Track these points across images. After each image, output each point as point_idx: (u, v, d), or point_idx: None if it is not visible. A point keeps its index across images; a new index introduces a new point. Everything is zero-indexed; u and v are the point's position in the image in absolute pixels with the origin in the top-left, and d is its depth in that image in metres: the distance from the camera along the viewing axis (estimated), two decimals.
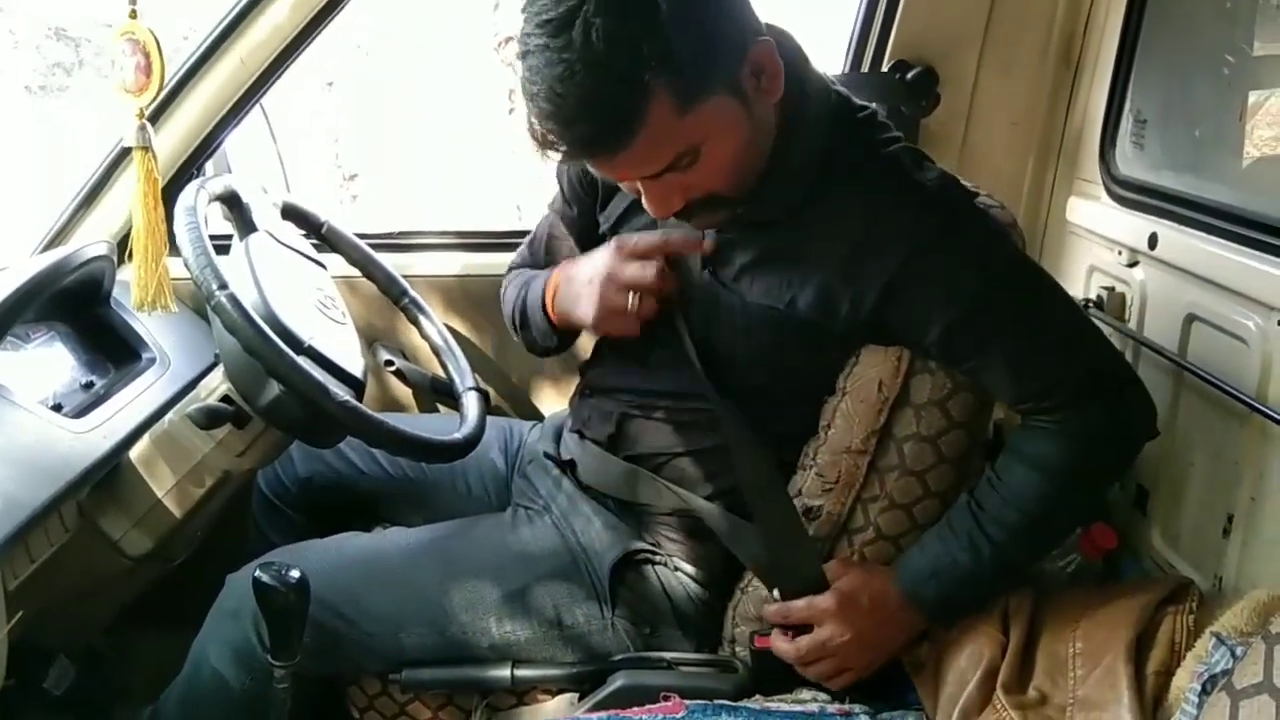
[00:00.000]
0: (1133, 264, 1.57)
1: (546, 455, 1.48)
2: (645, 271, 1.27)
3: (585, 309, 1.31)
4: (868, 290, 1.18)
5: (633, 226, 1.35)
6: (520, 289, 1.47)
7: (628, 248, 1.28)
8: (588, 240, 1.45)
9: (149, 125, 1.27)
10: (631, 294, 1.27)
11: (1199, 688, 0.94)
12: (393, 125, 6.47)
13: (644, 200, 1.16)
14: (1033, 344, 1.20)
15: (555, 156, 1.09)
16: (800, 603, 1.27)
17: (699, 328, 1.29)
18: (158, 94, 1.21)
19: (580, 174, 1.42)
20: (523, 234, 1.69)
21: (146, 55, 1.18)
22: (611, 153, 1.07)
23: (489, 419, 1.53)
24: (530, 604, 1.33)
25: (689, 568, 1.36)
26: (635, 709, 1.17)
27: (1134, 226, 1.56)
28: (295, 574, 1.20)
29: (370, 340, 1.86)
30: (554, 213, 1.51)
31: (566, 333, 1.43)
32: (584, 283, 1.32)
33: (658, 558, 1.36)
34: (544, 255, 1.52)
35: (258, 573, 1.19)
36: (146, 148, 1.28)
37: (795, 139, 1.19)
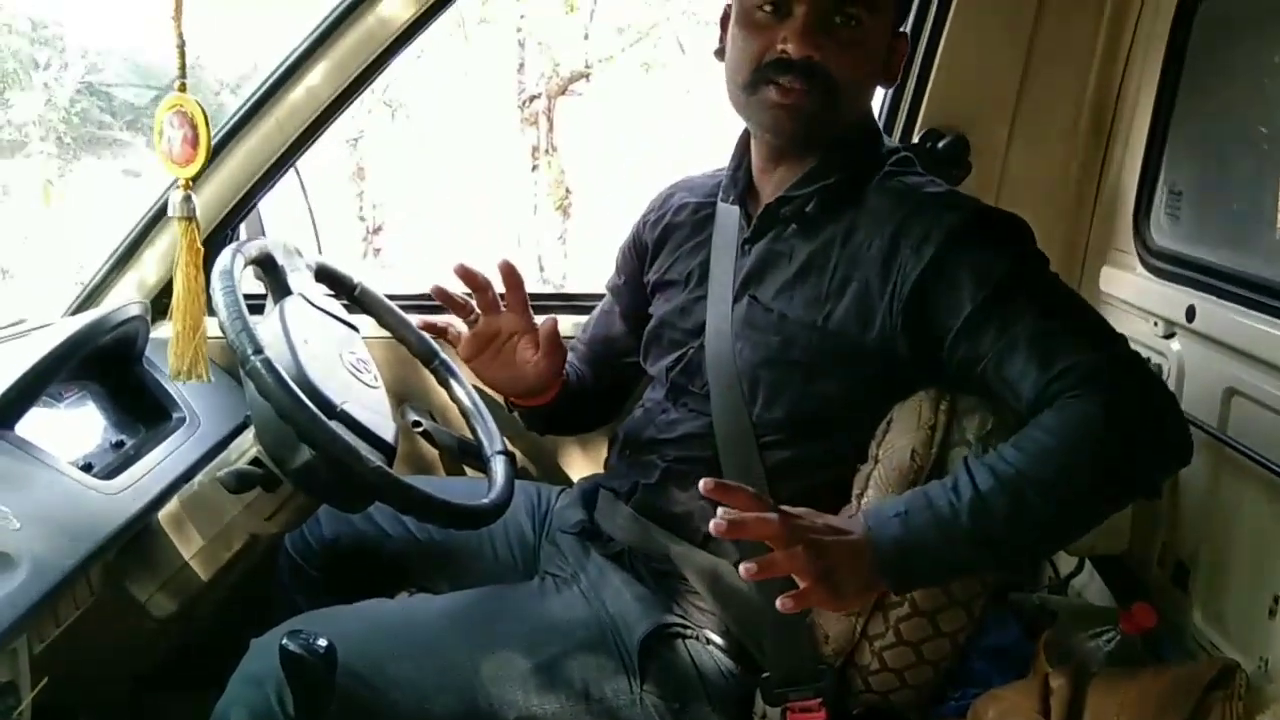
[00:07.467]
0: (1169, 335, 1.56)
1: (575, 525, 1.48)
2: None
3: None
4: (904, 283, 1.22)
5: (676, 271, 1.46)
6: None
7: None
8: (634, 317, 1.56)
9: (194, 197, 1.27)
10: None
11: None
12: (417, 181, 6.57)
13: (794, 30, 1.23)
14: (1059, 325, 1.17)
15: None
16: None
17: (736, 356, 1.33)
18: (204, 166, 1.21)
19: (632, 240, 1.54)
20: (550, 296, 1.70)
21: (194, 128, 1.19)
22: None
23: (517, 483, 1.52)
24: (558, 677, 1.30)
25: (720, 640, 1.34)
26: None
27: (1170, 298, 1.55)
28: (323, 643, 1.18)
29: (400, 400, 1.86)
30: (607, 290, 1.64)
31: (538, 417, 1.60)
32: None
33: (689, 631, 1.34)
34: (590, 328, 1.65)
35: (285, 641, 1.17)
36: (190, 218, 1.28)
37: (856, 136, 1.34)
